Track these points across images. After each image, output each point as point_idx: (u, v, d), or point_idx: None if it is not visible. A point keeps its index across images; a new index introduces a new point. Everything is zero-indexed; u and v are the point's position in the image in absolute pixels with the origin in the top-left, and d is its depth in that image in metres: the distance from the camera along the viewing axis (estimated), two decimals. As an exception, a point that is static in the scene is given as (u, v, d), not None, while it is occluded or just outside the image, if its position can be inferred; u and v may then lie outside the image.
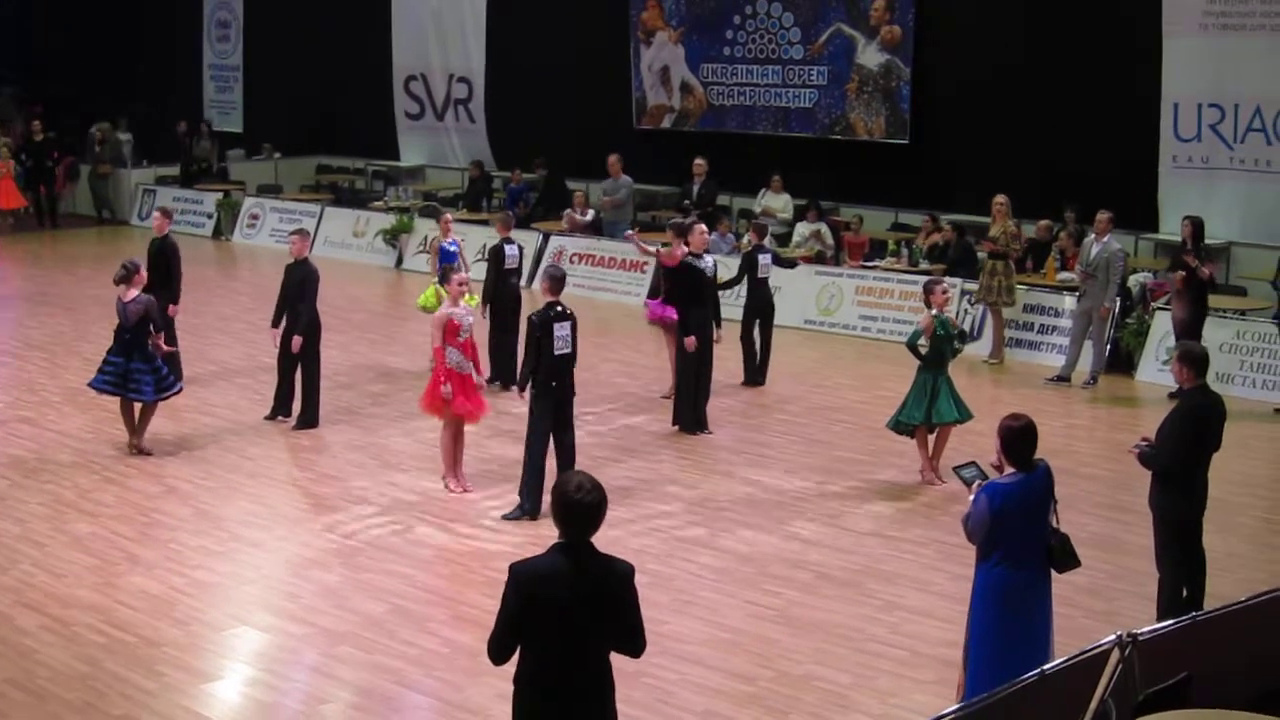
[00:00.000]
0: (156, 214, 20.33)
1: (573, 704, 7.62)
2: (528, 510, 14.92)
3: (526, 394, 15.10)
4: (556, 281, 15.20)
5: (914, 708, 10.84)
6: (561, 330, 14.82)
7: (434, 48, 34.34)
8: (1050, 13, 25.42)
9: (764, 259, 20.59)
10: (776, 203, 27.64)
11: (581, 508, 7.54)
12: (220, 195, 34.28)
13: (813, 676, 11.54)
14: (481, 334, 18.08)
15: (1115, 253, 20.94)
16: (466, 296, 17.16)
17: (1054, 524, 10.13)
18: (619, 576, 7.68)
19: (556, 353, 14.82)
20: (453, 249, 20.56)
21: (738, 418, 19.21)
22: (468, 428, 16.24)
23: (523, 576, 7.55)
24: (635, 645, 7.79)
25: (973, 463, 10.32)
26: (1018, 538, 9.87)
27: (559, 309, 14.91)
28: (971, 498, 9.97)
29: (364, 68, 34.86)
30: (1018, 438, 9.93)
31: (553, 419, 15.00)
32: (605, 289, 27.08)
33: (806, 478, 16.66)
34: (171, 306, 19.15)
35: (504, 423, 17.47)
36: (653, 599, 12.84)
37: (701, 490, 16.23)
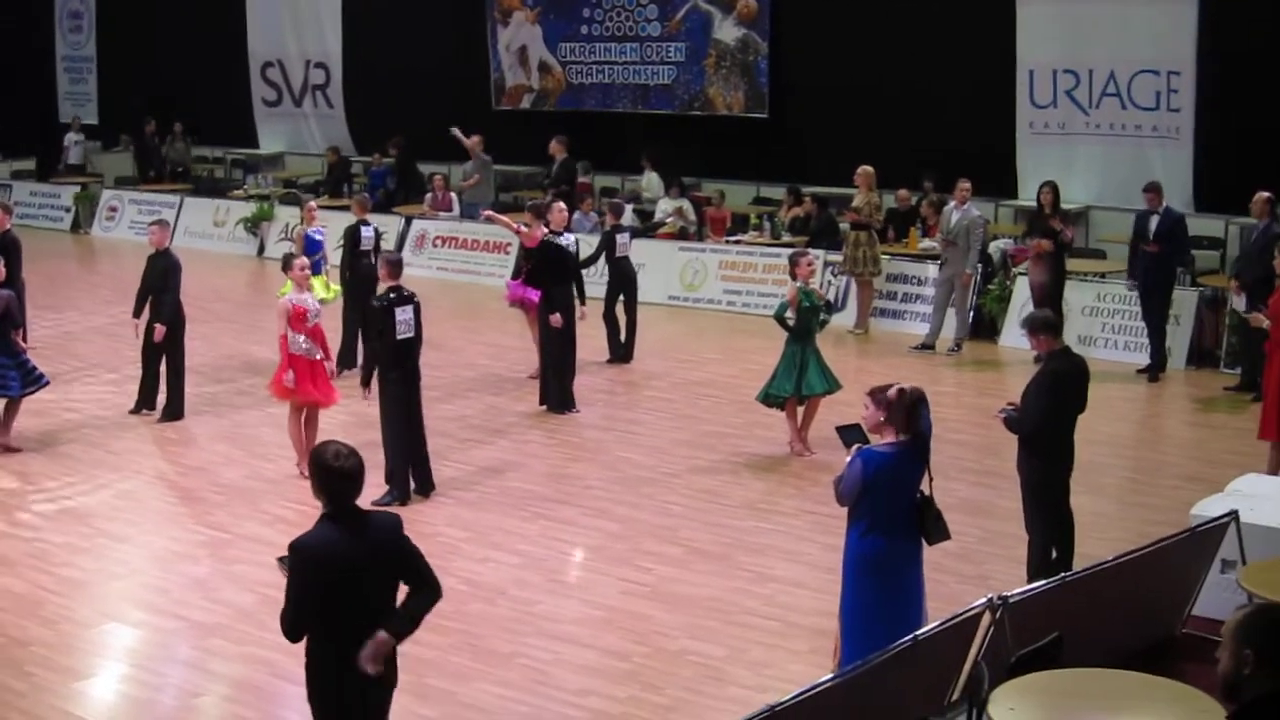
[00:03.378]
0: None
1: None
2: (397, 496, 14.80)
3: (373, 388, 14.99)
4: (394, 266, 15.24)
5: (789, 678, 10.84)
6: (403, 314, 14.75)
7: (290, 34, 34.03)
8: (905, -17, 25.58)
9: (622, 238, 20.69)
10: (653, 181, 27.62)
11: (342, 474, 7.66)
12: (78, 188, 33.89)
13: (687, 651, 11.54)
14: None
15: (975, 220, 21.17)
16: (324, 284, 17.04)
17: (929, 494, 10.15)
18: (389, 530, 7.80)
19: (399, 337, 14.75)
20: (319, 237, 20.21)
21: (605, 395, 19.23)
22: (325, 415, 16.14)
23: (304, 551, 7.66)
24: (431, 589, 7.87)
25: (857, 425, 10.28)
26: (889, 505, 9.89)
27: (399, 293, 14.87)
28: (848, 459, 9.99)
29: (220, 55, 34.47)
30: (906, 405, 9.94)
31: (405, 402, 14.96)
32: (469, 271, 27.03)
33: (675, 453, 16.69)
34: None
35: (368, 407, 17.38)
36: (525, 579, 12.88)
37: (571, 469, 16.21)
